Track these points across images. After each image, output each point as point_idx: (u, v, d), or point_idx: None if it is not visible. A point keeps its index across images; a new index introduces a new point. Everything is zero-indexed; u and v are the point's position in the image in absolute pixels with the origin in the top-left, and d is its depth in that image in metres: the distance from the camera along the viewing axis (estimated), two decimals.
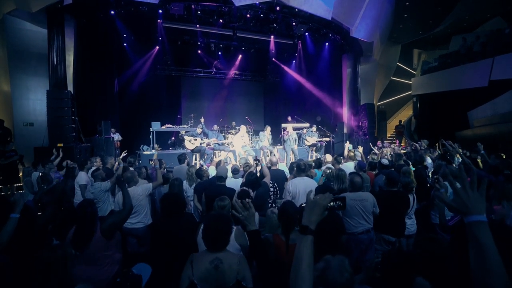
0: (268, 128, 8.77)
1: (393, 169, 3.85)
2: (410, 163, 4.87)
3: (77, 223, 2.11)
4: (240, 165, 4.62)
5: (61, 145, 7.28)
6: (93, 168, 4.75)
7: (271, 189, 3.87)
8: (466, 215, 0.89)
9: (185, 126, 10.34)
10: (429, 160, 5.47)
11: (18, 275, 1.70)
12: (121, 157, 5.39)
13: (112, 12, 8.93)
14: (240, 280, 1.58)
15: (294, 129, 9.09)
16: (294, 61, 14.03)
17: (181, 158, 4.76)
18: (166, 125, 9.60)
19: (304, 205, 1.17)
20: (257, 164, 4.33)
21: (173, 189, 3.48)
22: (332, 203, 0.95)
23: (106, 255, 2.06)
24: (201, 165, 6.21)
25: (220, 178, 3.29)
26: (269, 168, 4.48)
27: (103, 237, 2.05)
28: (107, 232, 2.06)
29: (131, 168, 4.19)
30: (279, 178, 4.38)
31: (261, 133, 8.76)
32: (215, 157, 7.37)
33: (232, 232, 1.86)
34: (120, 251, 2.28)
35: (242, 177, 4.10)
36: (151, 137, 9.17)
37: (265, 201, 3.63)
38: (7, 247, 1.81)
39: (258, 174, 3.90)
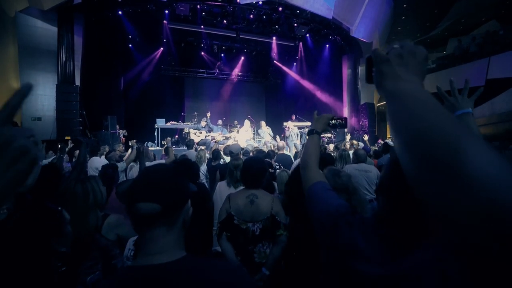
0: (262, 123, 8.92)
1: None
2: None
3: None
4: (251, 151, 4.76)
5: (69, 138, 7.45)
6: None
7: (278, 171, 4.01)
8: (454, 111, 1.04)
9: (189, 123, 10.51)
10: None
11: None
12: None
13: (120, 12, 9.21)
14: (274, 214, 1.73)
15: (296, 128, 9.26)
16: (295, 63, 14.32)
17: (190, 144, 4.90)
18: (171, 122, 9.78)
19: None
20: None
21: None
22: (334, 121, 1.10)
23: None
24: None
25: (231, 153, 3.43)
26: (275, 152, 4.64)
27: (118, 199, 2.20)
28: (121, 196, 2.21)
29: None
30: (286, 162, 4.51)
31: (259, 130, 8.94)
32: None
33: (266, 174, 2.00)
34: None
35: None
36: (155, 133, 9.32)
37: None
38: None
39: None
